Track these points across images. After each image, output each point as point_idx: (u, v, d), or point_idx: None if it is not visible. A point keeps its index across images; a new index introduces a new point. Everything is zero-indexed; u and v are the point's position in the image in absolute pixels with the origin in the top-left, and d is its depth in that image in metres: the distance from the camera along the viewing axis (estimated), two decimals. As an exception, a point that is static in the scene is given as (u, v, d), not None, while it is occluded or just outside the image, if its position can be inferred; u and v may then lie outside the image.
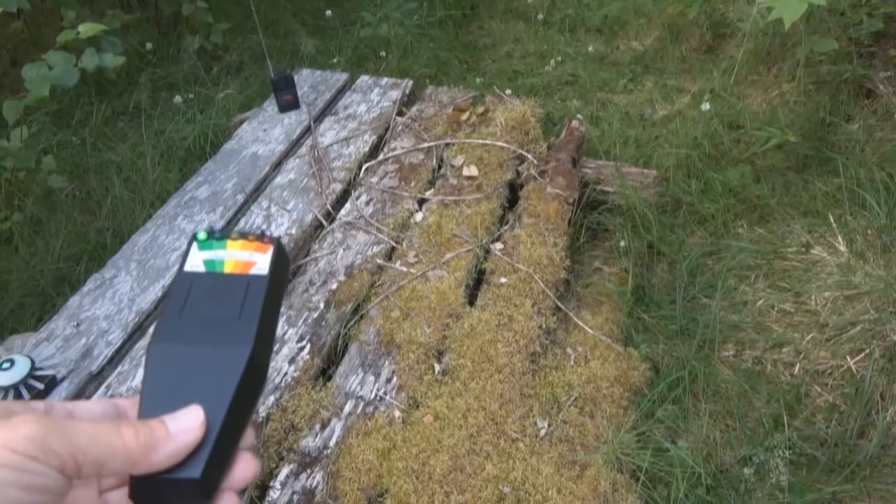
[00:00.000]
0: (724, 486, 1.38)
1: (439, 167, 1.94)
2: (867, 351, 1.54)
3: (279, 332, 1.45)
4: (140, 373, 1.36)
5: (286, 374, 1.38)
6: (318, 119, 2.14)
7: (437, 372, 1.38)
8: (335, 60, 3.09)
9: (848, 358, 1.55)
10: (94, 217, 2.29)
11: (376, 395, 1.33)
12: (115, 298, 1.57)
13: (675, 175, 2.16)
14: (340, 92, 2.29)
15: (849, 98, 2.23)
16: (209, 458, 0.35)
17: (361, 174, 1.91)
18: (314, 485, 1.19)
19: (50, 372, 1.38)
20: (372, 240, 1.68)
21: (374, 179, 1.88)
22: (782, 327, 1.68)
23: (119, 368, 1.41)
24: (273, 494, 1.17)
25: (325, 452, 1.24)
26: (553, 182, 1.80)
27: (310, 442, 1.26)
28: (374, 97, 2.22)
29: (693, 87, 2.71)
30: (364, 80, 2.32)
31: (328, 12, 3.35)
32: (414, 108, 2.16)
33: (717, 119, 2.34)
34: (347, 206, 1.80)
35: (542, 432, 1.28)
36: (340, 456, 1.22)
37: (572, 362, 1.45)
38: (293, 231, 1.72)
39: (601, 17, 3.34)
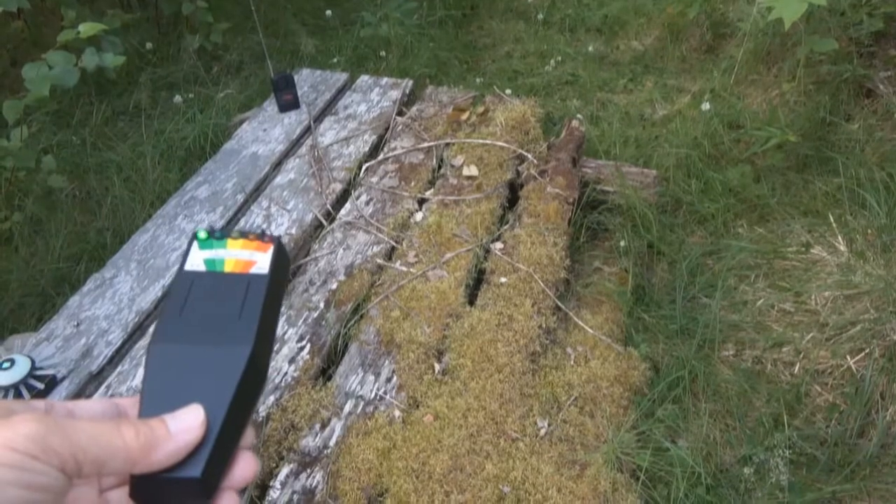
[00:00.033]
0: (724, 486, 1.38)
1: (439, 167, 1.94)
2: (867, 350, 1.54)
3: (279, 331, 1.45)
4: (140, 373, 1.37)
5: (286, 373, 1.38)
6: (318, 119, 2.14)
7: (437, 371, 1.38)
8: (335, 60, 3.09)
9: (848, 357, 1.55)
10: (94, 217, 2.30)
11: (376, 394, 1.33)
12: (115, 298, 1.57)
13: (675, 175, 2.16)
14: (340, 92, 2.29)
15: (849, 98, 2.23)
16: (209, 457, 0.35)
17: (361, 174, 1.91)
18: (314, 484, 1.19)
19: (50, 372, 1.38)
20: (372, 239, 1.68)
21: (374, 179, 1.88)
22: (782, 327, 1.68)
23: (119, 368, 1.41)
24: (273, 494, 1.17)
25: (325, 452, 1.24)
26: (553, 182, 1.80)
27: (310, 441, 1.26)
28: (374, 97, 2.22)
29: (693, 87, 2.71)
30: (364, 79, 2.32)
31: (328, 12, 3.35)
32: (414, 108, 2.16)
33: (717, 119, 2.34)
34: (347, 205, 1.80)
35: (542, 432, 1.28)
36: (340, 455, 1.22)
37: (572, 362, 1.45)
38: (293, 231, 1.72)
39: (601, 17, 3.35)
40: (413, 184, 1.85)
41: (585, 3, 3.51)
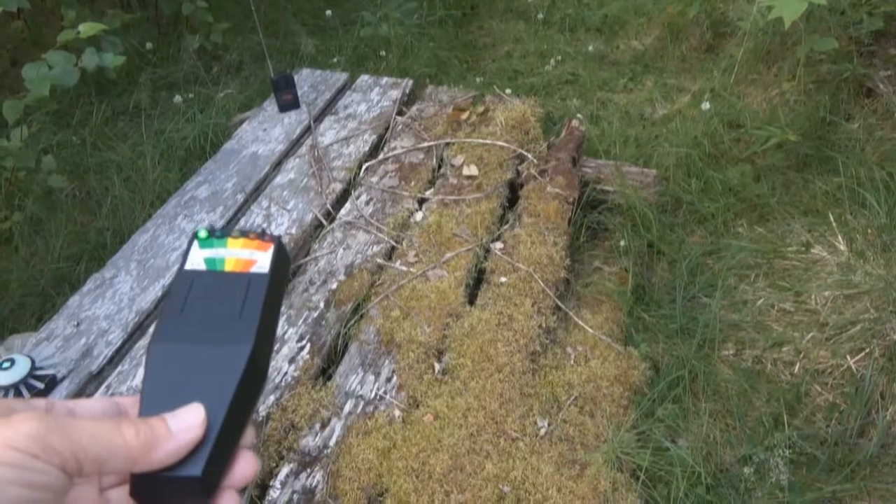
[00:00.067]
0: (724, 486, 1.38)
1: (439, 167, 1.94)
2: (867, 350, 1.54)
3: (279, 331, 1.45)
4: (140, 372, 1.37)
5: (286, 373, 1.38)
6: (318, 119, 2.14)
7: (437, 371, 1.38)
8: (335, 60, 3.09)
9: (848, 357, 1.55)
10: (94, 217, 2.30)
11: (376, 394, 1.33)
12: (115, 298, 1.57)
13: (675, 174, 2.16)
14: (340, 91, 2.29)
15: (849, 97, 2.23)
16: (210, 456, 0.35)
17: (361, 174, 1.91)
18: (314, 484, 1.19)
19: (50, 371, 1.38)
20: (372, 239, 1.68)
21: (374, 179, 1.88)
22: (782, 326, 1.68)
23: (119, 368, 1.41)
24: (273, 494, 1.17)
25: (325, 452, 1.24)
26: (553, 181, 1.80)
27: (310, 441, 1.26)
28: (374, 97, 2.22)
29: (693, 87, 2.71)
30: (364, 79, 2.33)
31: (328, 12, 3.35)
32: (414, 108, 2.16)
33: (717, 118, 2.34)
34: (347, 205, 1.80)
35: (542, 431, 1.28)
36: (340, 455, 1.22)
37: (572, 361, 1.45)
38: (293, 230, 1.72)
39: (601, 17, 3.35)
40: (413, 183, 1.85)
41: (585, 2, 3.51)
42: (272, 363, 1.38)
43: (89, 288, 1.60)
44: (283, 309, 1.48)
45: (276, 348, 1.42)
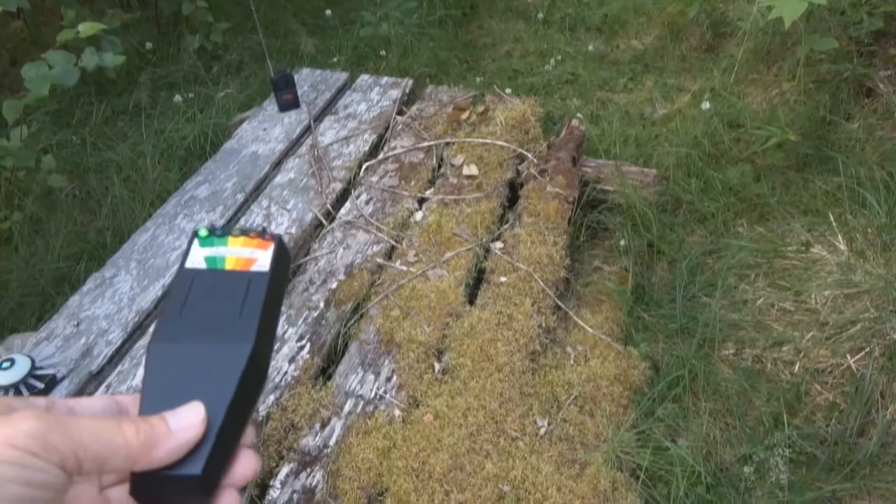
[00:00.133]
0: (724, 485, 1.38)
1: (439, 166, 1.94)
2: (867, 349, 1.54)
3: (279, 331, 1.45)
4: (140, 372, 1.37)
5: (286, 373, 1.38)
6: (318, 118, 2.14)
7: (436, 371, 1.38)
8: (335, 60, 3.09)
9: (848, 356, 1.55)
10: (94, 216, 2.29)
11: (376, 394, 1.33)
12: (115, 298, 1.57)
13: (675, 174, 2.16)
14: (340, 91, 2.29)
15: (849, 97, 2.23)
16: (210, 454, 0.35)
17: (361, 173, 1.91)
18: (314, 484, 1.19)
19: (50, 371, 1.38)
20: (372, 239, 1.68)
21: (374, 178, 1.88)
22: (782, 326, 1.68)
23: (119, 368, 1.41)
24: (273, 493, 1.17)
25: (325, 451, 1.24)
26: (553, 181, 1.80)
27: (310, 441, 1.26)
28: (374, 96, 2.22)
29: (693, 86, 2.71)
30: (364, 79, 2.32)
31: (328, 12, 3.35)
32: (414, 108, 2.16)
33: (717, 118, 2.34)
34: (347, 205, 1.80)
35: (542, 431, 1.28)
36: (340, 455, 1.22)
37: (572, 361, 1.45)
38: (293, 230, 1.72)
39: (601, 16, 3.35)
40: (413, 183, 1.85)
41: (585, 2, 3.51)
42: (272, 363, 1.38)
43: (89, 287, 1.60)
44: (283, 308, 1.48)
45: (276, 348, 1.42)
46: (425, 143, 1.98)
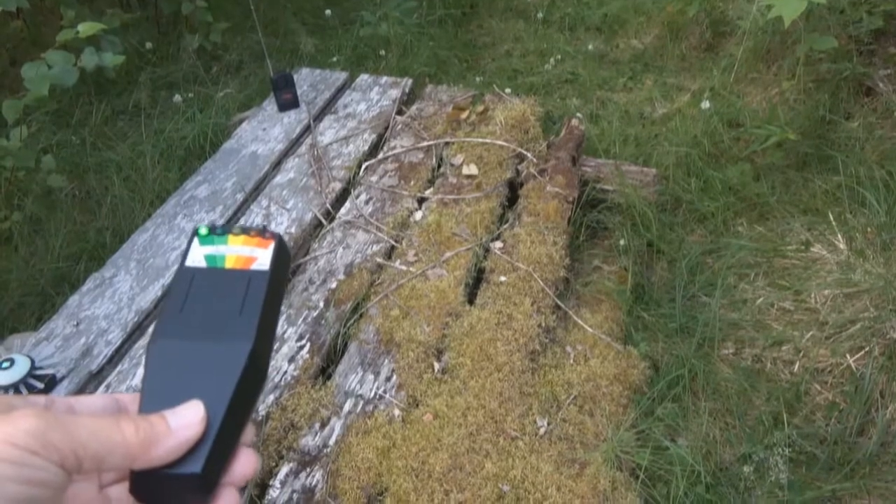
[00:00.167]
0: (723, 484, 1.39)
1: (439, 166, 1.94)
2: (867, 349, 1.54)
3: (279, 330, 1.45)
4: (140, 372, 1.37)
5: (286, 372, 1.38)
6: (318, 118, 2.14)
7: (436, 370, 1.38)
8: (335, 59, 3.09)
9: (848, 356, 1.55)
10: (93, 216, 2.29)
11: (376, 393, 1.33)
12: (114, 297, 1.57)
13: (674, 173, 2.16)
14: (340, 91, 2.29)
15: (849, 96, 2.23)
16: (210, 453, 0.35)
17: (361, 173, 1.91)
18: (314, 483, 1.19)
19: (50, 371, 1.38)
20: (371, 238, 1.68)
21: (374, 178, 1.88)
22: (782, 325, 1.68)
23: (119, 367, 1.41)
24: (273, 493, 1.17)
25: (325, 451, 1.24)
26: (553, 181, 1.80)
27: (309, 440, 1.26)
28: (373, 96, 2.22)
29: (693, 86, 2.71)
30: (363, 78, 2.32)
31: (328, 11, 3.35)
32: (413, 107, 2.16)
33: (716, 117, 2.34)
34: (347, 204, 1.80)
35: (542, 430, 1.28)
36: (340, 454, 1.22)
37: (572, 361, 1.45)
38: (293, 230, 1.72)
39: (601, 16, 3.34)
40: (413, 183, 1.85)
41: (585, 1, 3.51)
42: (272, 362, 1.38)
43: (89, 287, 1.60)
44: (282, 308, 1.48)
45: (275, 347, 1.42)
46: (425, 143, 1.98)
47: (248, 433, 0.39)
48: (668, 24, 3.05)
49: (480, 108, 2.09)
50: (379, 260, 1.62)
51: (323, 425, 1.28)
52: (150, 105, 2.78)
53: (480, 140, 1.94)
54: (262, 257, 0.41)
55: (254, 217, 1.77)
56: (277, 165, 1.97)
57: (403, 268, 1.59)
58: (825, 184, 2.02)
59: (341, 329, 1.47)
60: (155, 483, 0.34)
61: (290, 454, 1.24)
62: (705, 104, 2.39)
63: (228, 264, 0.40)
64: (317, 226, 1.76)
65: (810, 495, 1.35)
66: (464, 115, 2.07)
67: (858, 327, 1.57)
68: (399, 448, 1.22)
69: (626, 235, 1.84)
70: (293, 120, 2.13)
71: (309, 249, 1.69)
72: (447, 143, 1.98)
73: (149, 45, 3.06)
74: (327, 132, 2.06)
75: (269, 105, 2.22)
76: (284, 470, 1.21)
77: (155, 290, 1.57)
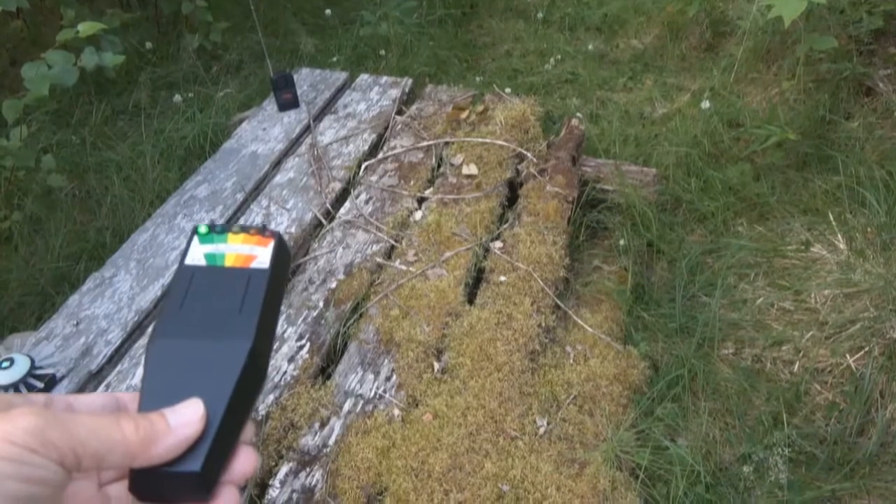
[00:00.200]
0: (723, 484, 1.39)
1: (439, 166, 1.94)
2: (867, 349, 1.54)
3: (279, 330, 1.45)
4: (139, 371, 1.37)
5: (286, 372, 1.38)
6: (318, 118, 2.14)
7: (436, 370, 1.38)
8: (335, 59, 3.09)
9: (847, 356, 1.55)
10: (93, 216, 2.29)
11: (376, 393, 1.33)
12: (114, 297, 1.57)
13: (674, 173, 2.16)
14: (340, 91, 2.29)
15: (849, 96, 2.23)
16: (209, 451, 0.35)
17: (361, 173, 1.91)
18: (313, 483, 1.19)
19: (49, 371, 1.38)
20: (371, 238, 1.68)
21: (374, 178, 1.88)
22: (782, 325, 1.68)
23: (119, 367, 1.41)
24: (272, 493, 1.17)
25: (325, 451, 1.24)
26: (552, 180, 1.80)
27: (309, 440, 1.26)
28: (373, 96, 2.22)
29: (693, 86, 2.71)
30: (363, 78, 2.32)
31: (328, 11, 3.35)
32: (413, 107, 2.16)
33: (716, 117, 2.34)
34: (347, 204, 1.80)
35: (542, 430, 1.28)
36: (340, 454, 1.22)
37: (571, 360, 1.45)
38: (293, 230, 1.72)
39: (601, 16, 3.35)
40: (412, 182, 1.85)
41: (585, 1, 3.51)
42: (272, 362, 1.38)
43: (89, 287, 1.60)
44: (282, 308, 1.48)
45: (275, 347, 1.42)
46: (425, 143, 1.98)
47: (248, 432, 0.38)
48: (668, 24, 3.06)
49: (480, 107, 2.09)
50: (379, 260, 1.62)
51: (323, 425, 1.28)
52: (150, 105, 2.79)
53: (480, 140, 1.94)
54: (261, 255, 0.41)
55: (254, 217, 1.77)
56: (277, 165, 1.97)
57: (403, 268, 1.59)
58: (825, 184, 2.02)
59: (341, 329, 1.47)
60: (154, 481, 0.34)
61: (290, 454, 1.24)
62: (705, 104, 2.39)
63: (228, 262, 0.40)
64: (317, 226, 1.76)
65: (810, 495, 1.35)
66: (464, 115, 2.07)
67: (858, 327, 1.57)
68: (399, 448, 1.22)
69: (626, 235, 1.84)
70: (293, 120, 2.13)
71: (309, 249, 1.69)
72: (447, 143, 1.98)
73: (149, 44, 3.06)
74: (327, 132, 2.06)
75: (269, 105, 2.22)
76: (284, 470, 1.21)
77: (155, 290, 1.57)
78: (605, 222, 1.92)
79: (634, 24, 3.24)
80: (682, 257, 1.87)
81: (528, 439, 1.25)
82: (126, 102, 2.83)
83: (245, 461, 0.37)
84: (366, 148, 1.98)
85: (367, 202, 1.80)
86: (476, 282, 1.60)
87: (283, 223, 1.74)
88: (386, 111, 2.13)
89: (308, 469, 1.21)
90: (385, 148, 1.99)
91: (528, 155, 1.89)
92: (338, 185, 1.86)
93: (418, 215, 1.76)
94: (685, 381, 1.54)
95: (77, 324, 1.50)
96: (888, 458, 1.42)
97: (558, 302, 1.55)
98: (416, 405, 1.31)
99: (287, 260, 0.43)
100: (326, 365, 1.44)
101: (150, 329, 1.48)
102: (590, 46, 3.13)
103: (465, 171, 1.86)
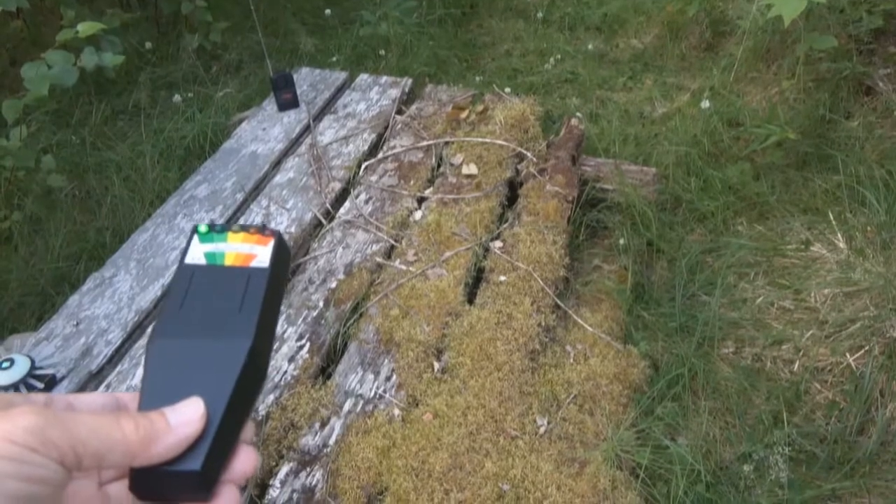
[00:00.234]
0: (723, 483, 1.39)
1: (438, 165, 1.94)
2: (867, 348, 1.54)
3: (279, 330, 1.45)
4: (140, 372, 1.36)
5: (286, 372, 1.38)
6: (318, 118, 2.14)
7: (436, 370, 1.38)
8: (334, 59, 3.09)
9: (847, 355, 1.55)
10: (93, 216, 2.29)
11: (376, 393, 1.33)
12: (114, 297, 1.57)
13: (674, 173, 2.16)
14: (340, 90, 2.29)
15: (848, 95, 2.23)
16: (209, 450, 0.35)
17: (361, 173, 1.91)
18: (314, 483, 1.19)
19: (50, 371, 1.38)
20: (371, 238, 1.68)
21: (374, 178, 1.88)
22: (782, 324, 1.68)
23: (119, 367, 1.41)
24: (273, 493, 1.17)
25: (325, 451, 1.24)
26: (552, 180, 1.80)
27: (309, 440, 1.26)
28: (373, 96, 2.22)
29: (693, 85, 2.71)
30: (363, 78, 2.32)
31: (327, 11, 3.35)
32: (413, 107, 2.16)
33: (716, 117, 2.34)
34: (347, 204, 1.80)
35: (542, 430, 1.28)
36: (340, 454, 1.22)
37: (572, 360, 1.45)
38: (293, 229, 1.72)
39: (601, 16, 3.34)
40: (412, 182, 1.85)
41: (585, 1, 3.51)
42: (272, 362, 1.38)
43: (89, 287, 1.60)
44: (282, 308, 1.48)
45: (275, 347, 1.42)
46: (424, 143, 1.98)
47: (248, 431, 0.38)
48: (668, 24, 3.05)
49: (480, 107, 2.09)
50: (379, 259, 1.62)
51: (323, 425, 1.28)
52: (149, 105, 2.78)
53: (480, 140, 1.94)
54: (261, 254, 0.41)
55: (254, 217, 1.77)
56: (277, 165, 1.97)
57: (403, 267, 1.59)
58: (825, 183, 2.02)
59: (341, 329, 1.47)
60: (155, 480, 0.34)
61: (290, 454, 1.24)
62: (705, 103, 2.39)
63: (228, 261, 0.40)
64: (316, 225, 1.76)
65: (810, 494, 1.35)
66: (463, 115, 2.07)
67: (858, 326, 1.57)
68: (399, 447, 1.22)
69: (626, 235, 1.84)
70: (293, 120, 2.13)
71: (309, 249, 1.69)
72: (447, 143, 1.98)
73: (149, 44, 3.06)
74: (327, 132, 2.06)
75: (269, 105, 2.22)
76: (284, 469, 1.21)
77: (155, 290, 1.57)
78: (605, 222, 1.92)
79: (634, 23, 3.24)
80: (681, 256, 1.87)
81: (528, 439, 1.25)
82: (126, 102, 2.83)
83: (245, 460, 0.37)
84: (365, 148, 1.98)
85: (366, 202, 1.80)
86: (476, 281, 1.60)
87: (283, 223, 1.74)
88: (386, 111, 2.13)
89: (308, 469, 1.21)
90: (385, 148, 1.99)
91: (528, 154, 1.89)
92: (338, 185, 1.86)
93: (418, 215, 1.76)
94: (685, 381, 1.54)
95: (77, 324, 1.50)
96: (888, 457, 1.42)
97: (558, 301, 1.55)
98: (417, 405, 1.31)
99: (287, 259, 0.43)
100: (326, 365, 1.44)
101: (150, 329, 1.48)
102: (589, 46, 3.13)
103: (464, 170, 1.86)
